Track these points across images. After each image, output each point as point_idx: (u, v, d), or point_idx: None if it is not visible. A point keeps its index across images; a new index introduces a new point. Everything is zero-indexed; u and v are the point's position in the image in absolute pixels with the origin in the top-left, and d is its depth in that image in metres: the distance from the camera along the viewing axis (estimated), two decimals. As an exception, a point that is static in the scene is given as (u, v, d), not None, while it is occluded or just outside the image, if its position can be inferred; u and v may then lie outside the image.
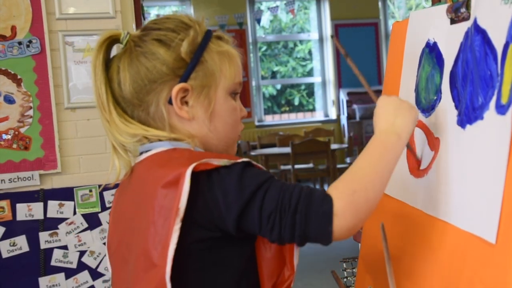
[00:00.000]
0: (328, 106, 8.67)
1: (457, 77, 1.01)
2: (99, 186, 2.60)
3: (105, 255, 2.63)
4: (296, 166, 6.31)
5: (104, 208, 2.64)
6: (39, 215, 2.56)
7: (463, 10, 1.01)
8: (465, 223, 0.93)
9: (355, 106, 8.22)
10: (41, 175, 2.57)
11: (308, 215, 0.87)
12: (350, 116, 8.24)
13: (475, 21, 0.95)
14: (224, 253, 0.96)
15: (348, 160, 6.56)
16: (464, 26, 1.01)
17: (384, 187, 0.93)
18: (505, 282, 0.79)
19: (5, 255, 2.53)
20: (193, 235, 0.92)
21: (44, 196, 2.57)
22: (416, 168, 1.12)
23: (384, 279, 1.05)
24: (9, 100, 2.52)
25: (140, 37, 1.02)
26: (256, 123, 8.23)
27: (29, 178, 2.54)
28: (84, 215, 2.61)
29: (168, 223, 0.89)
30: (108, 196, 2.64)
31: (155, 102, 1.00)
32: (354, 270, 1.51)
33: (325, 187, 1.07)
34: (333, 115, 8.57)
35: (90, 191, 2.62)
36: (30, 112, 2.55)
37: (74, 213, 2.60)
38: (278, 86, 9.10)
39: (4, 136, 2.52)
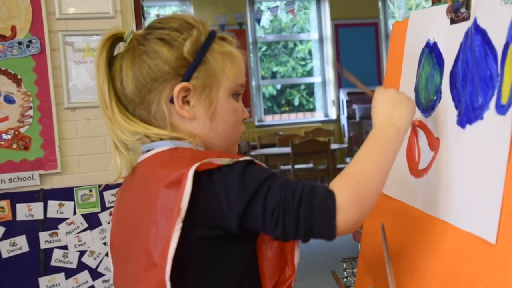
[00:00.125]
0: (328, 106, 8.66)
1: (457, 77, 1.01)
2: (99, 186, 2.60)
3: (105, 255, 2.63)
4: (296, 166, 6.31)
5: (104, 208, 2.64)
6: (39, 215, 2.56)
7: (463, 10, 1.01)
8: (465, 223, 0.93)
9: (355, 106, 8.21)
10: (41, 175, 2.57)
11: (312, 210, 0.87)
12: (350, 116, 8.23)
13: (475, 21, 0.95)
14: (226, 252, 0.96)
15: (348, 160, 6.57)
16: (464, 26, 1.01)
17: (385, 179, 0.94)
18: (505, 282, 0.79)
19: (5, 255, 2.53)
20: (195, 234, 0.92)
21: (44, 196, 2.57)
22: (416, 168, 1.12)
23: (384, 279, 1.05)
24: (9, 100, 2.52)
25: (143, 35, 1.02)
26: (256, 123, 8.22)
27: (29, 178, 2.54)
28: (84, 215, 2.61)
29: (169, 222, 0.89)
30: (108, 196, 2.64)
31: (157, 100, 1.00)
32: (354, 270, 1.51)
33: (326, 186, 1.07)
34: (333, 115, 8.57)
35: (90, 191, 2.62)
36: (30, 112, 2.55)
37: (74, 213, 2.60)
38: (278, 86, 9.09)
39: (4, 136, 2.52)
